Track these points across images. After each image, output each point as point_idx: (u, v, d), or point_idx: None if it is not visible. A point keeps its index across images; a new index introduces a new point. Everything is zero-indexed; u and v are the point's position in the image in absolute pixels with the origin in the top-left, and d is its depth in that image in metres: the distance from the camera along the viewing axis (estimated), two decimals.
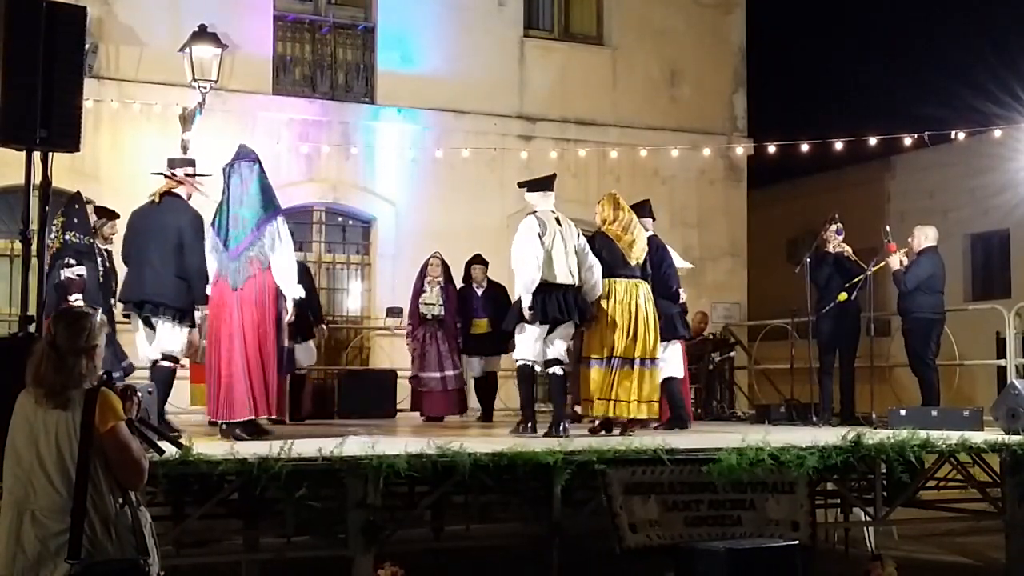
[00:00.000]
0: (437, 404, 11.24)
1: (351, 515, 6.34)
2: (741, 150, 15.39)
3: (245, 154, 7.62)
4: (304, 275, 11.07)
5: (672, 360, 9.47)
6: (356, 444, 6.59)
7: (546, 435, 7.96)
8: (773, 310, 14.39)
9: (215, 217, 7.57)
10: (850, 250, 10.65)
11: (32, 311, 6.37)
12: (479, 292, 11.25)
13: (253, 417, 7.29)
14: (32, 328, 6.09)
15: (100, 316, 4.30)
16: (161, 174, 8.11)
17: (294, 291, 7.56)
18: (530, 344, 8.34)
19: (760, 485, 7.01)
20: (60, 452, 4.00)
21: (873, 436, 7.55)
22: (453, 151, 13.54)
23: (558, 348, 8.36)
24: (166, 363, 7.87)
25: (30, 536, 3.98)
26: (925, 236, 10.36)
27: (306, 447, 6.23)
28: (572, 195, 14.27)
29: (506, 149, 14.00)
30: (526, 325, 8.29)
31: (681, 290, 9.67)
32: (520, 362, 8.44)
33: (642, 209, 9.52)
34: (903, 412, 9.26)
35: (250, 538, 7.09)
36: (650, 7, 15.18)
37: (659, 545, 6.74)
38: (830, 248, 10.66)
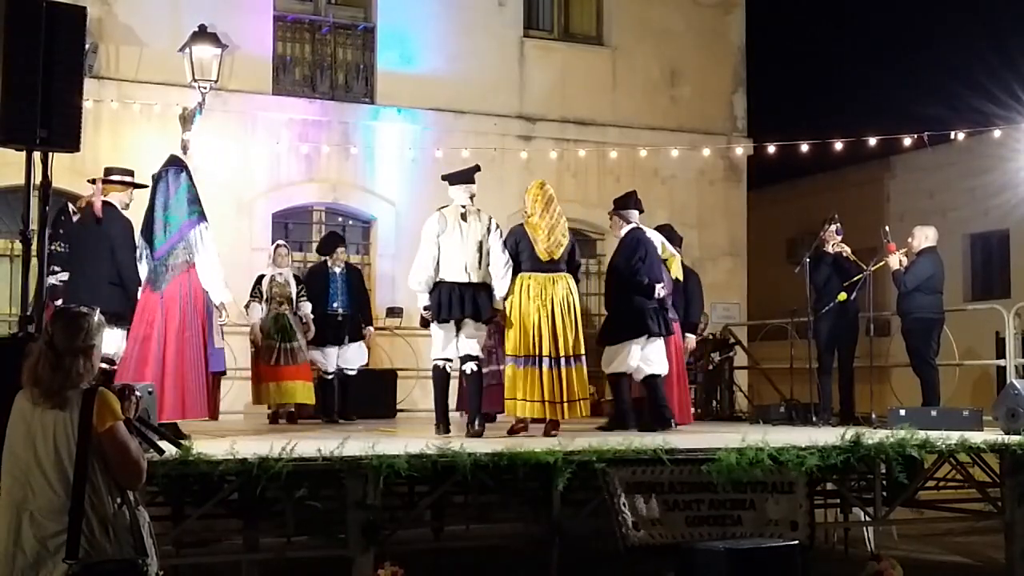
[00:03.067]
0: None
1: (351, 515, 6.33)
2: (741, 150, 15.39)
3: (173, 162, 7.84)
4: (356, 278, 11.15)
5: (652, 357, 9.13)
6: (356, 444, 6.59)
7: (468, 434, 7.82)
8: (773, 310, 14.40)
9: (143, 224, 7.78)
10: (849, 250, 10.65)
11: (32, 311, 6.37)
12: None
13: (178, 420, 7.33)
14: (32, 328, 6.09)
15: (98, 316, 4.29)
16: (93, 181, 8.26)
17: (219, 295, 7.78)
18: (440, 343, 8.22)
19: (760, 485, 7.01)
20: (58, 452, 4.00)
21: (873, 436, 7.54)
22: (453, 151, 13.53)
23: (467, 346, 8.18)
24: (103, 364, 7.93)
25: (29, 536, 3.98)
26: (925, 236, 10.36)
27: (306, 447, 6.24)
28: (572, 195, 14.32)
29: (506, 149, 14.01)
30: (433, 325, 8.20)
31: (660, 285, 9.19)
32: (432, 362, 8.34)
33: (627, 201, 9.47)
34: (903, 412, 9.26)
35: (250, 538, 7.09)
36: (650, 7, 15.19)
37: (661, 544, 6.74)
38: (829, 248, 10.66)
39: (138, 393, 4.32)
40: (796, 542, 6.89)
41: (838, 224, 10.77)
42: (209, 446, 6.13)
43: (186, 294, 7.54)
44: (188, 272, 7.58)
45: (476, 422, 8.00)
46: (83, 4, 7.58)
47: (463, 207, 8.24)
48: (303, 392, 10.88)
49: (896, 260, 10.28)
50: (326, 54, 13.80)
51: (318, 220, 13.81)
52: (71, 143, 6.42)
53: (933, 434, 7.71)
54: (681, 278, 10.22)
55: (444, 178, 8.63)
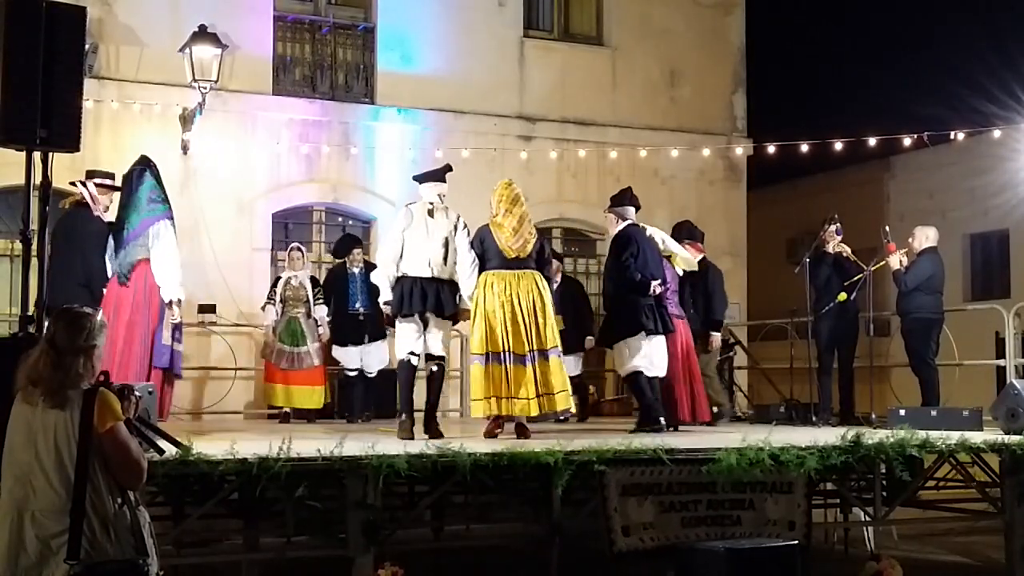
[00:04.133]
0: None
1: (351, 515, 6.34)
2: (741, 150, 15.39)
3: (140, 162, 8.11)
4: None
5: (651, 355, 9.01)
6: (356, 444, 6.59)
7: (430, 436, 7.77)
8: (773, 310, 14.39)
9: (114, 222, 8.08)
10: (849, 250, 10.66)
11: (32, 311, 6.37)
12: (552, 287, 11.03)
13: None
14: (32, 328, 6.10)
15: (100, 317, 4.30)
16: (74, 183, 8.55)
17: (170, 292, 7.90)
18: (404, 338, 8.19)
19: (759, 485, 7.01)
20: (59, 453, 4.00)
21: (872, 436, 7.54)
22: (453, 151, 13.52)
23: (434, 345, 8.15)
24: None
25: (30, 536, 3.99)
26: (926, 236, 10.37)
27: (306, 447, 6.24)
28: (572, 195, 14.35)
29: (506, 149, 14.01)
30: (399, 320, 8.18)
31: (656, 282, 9.03)
32: (399, 358, 8.32)
33: (621, 198, 9.40)
34: (902, 412, 9.26)
35: (250, 538, 7.08)
36: (650, 7, 15.19)
37: (652, 548, 6.74)
38: (829, 248, 10.67)
39: (137, 393, 4.32)
40: (795, 542, 6.89)
41: (838, 224, 10.77)
42: (209, 446, 6.13)
43: (140, 288, 7.80)
44: (145, 267, 7.85)
45: (434, 423, 7.97)
46: (83, 4, 7.58)
47: (431, 204, 8.23)
48: (308, 397, 10.94)
49: (896, 260, 10.29)
50: (326, 54, 13.80)
51: (318, 220, 13.81)
52: (71, 143, 6.41)
53: (933, 434, 7.71)
54: (681, 274, 10.21)
55: (415, 178, 8.64)
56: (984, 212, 17.79)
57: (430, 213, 8.17)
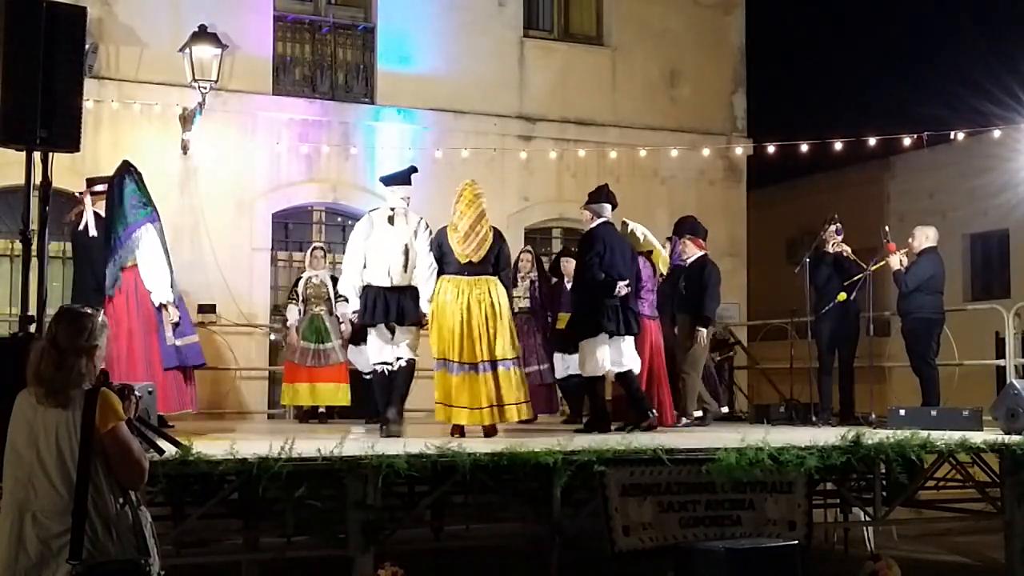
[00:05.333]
0: None
1: (351, 515, 6.34)
2: (741, 150, 15.39)
3: (122, 169, 8.19)
4: None
5: (621, 355, 8.85)
6: (356, 444, 6.59)
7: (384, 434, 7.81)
8: (773, 310, 14.39)
9: (104, 230, 8.25)
10: (849, 250, 10.66)
11: (32, 311, 6.38)
12: (568, 286, 10.88)
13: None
14: (32, 328, 6.10)
15: (102, 317, 4.30)
16: (83, 193, 8.72)
17: (160, 295, 7.98)
18: (375, 347, 8.24)
19: (759, 485, 7.01)
20: (60, 453, 4.00)
21: (872, 436, 7.55)
22: (453, 151, 13.55)
23: (401, 348, 8.16)
24: None
25: (32, 537, 3.99)
26: (926, 236, 10.37)
27: (306, 447, 6.24)
28: (572, 195, 14.31)
29: (506, 149, 14.01)
30: (371, 329, 8.21)
31: (624, 283, 8.75)
32: (371, 367, 8.33)
33: (597, 195, 9.27)
34: (902, 412, 9.27)
35: (250, 538, 7.09)
36: (650, 7, 15.18)
37: (652, 548, 6.74)
38: (829, 248, 10.67)
39: (138, 393, 4.32)
40: (795, 542, 6.89)
41: (838, 224, 10.78)
42: (209, 446, 6.13)
43: (131, 295, 7.90)
44: (134, 273, 7.95)
45: (392, 421, 7.98)
46: (83, 4, 7.59)
47: (392, 209, 8.22)
48: (335, 394, 10.94)
49: (896, 260, 10.29)
50: (326, 54, 13.80)
51: (318, 220, 13.81)
52: (71, 143, 6.42)
53: (933, 434, 7.72)
54: (665, 272, 10.14)
55: (381, 180, 8.63)
56: (984, 212, 17.78)
57: (390, 220, 8.17)
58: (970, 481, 8.59)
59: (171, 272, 8.18)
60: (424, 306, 8.13)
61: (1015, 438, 8.03)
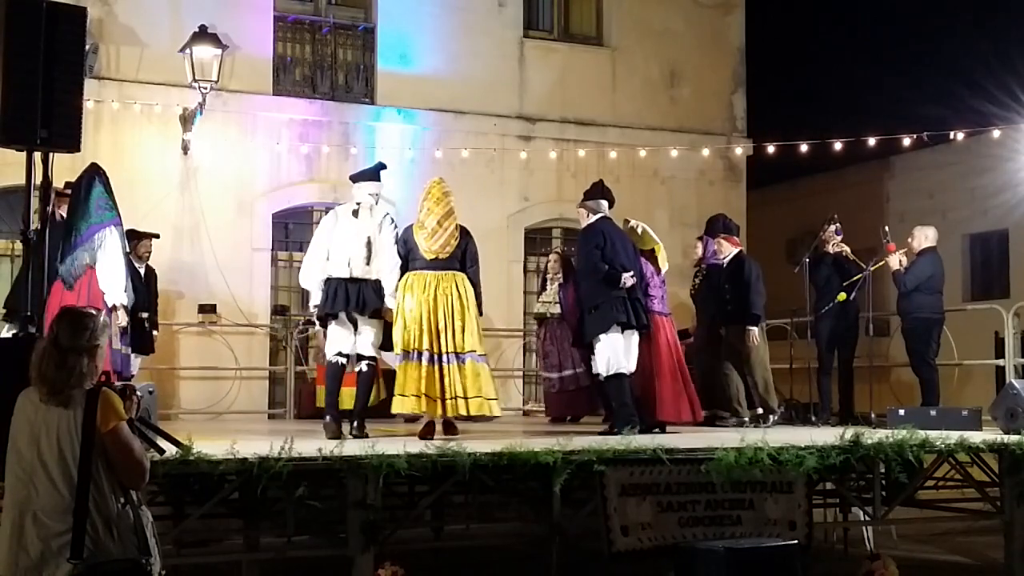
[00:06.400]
0: (555, 404, 11.18)
1: (351, 515, 6.35)
2: (740, 150, 15.40)
3: (89, 171, 8.20)
4: None
5: (606, 353, 8.61)
6: (356, 444, 6.60)
7: (354, 435, 7.77)
8: (773, 310, 14.36)
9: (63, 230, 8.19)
10: (849, 250, 10.67)
11: (32, 311, 6.39)
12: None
13: None
14: (32, 328, 6.10)
15: (103, 317, 4.31)
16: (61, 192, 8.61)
17: (114, 297, 7.98)
18: (334, 339, 8.22)
19: (759, 485, 7.02)
20: (62, 452, 4.01)
21: (872, 436, 7.55)
22: (453, 151, 13.55)
23: (362, 344, 8.17)
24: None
25: (32, 536, 3.99)
26: (925, 236, 10.38)
27: (306, 447, 6.24)
28: (572, 195, 14.23)
29: (506, 149, 14.02)
30: (332, 320, 8.19)
31: (628, 274, 8.59)
32: (327, 358, 8.32)
33: (593, 191, 9.22)
34: (902, 412, 9.28)
35: (250, 538, 7.09)
36: (650, 7, 15.19)
37: (650, 548, 6.74)
38: (829, 248, 10.68)
39: (139, 393, 4.33)
40: (795, 542, 6.90)
41: (838, 224, 10.79)
42: (209, 446, 6.14)
43: (84, 295, 7.85)
44: (91, 274, 7.93)
45: (357, 424, 7.95)
46: (83, 4, 7.60)
47: (358, 204, 8.29)
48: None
49: (896, 260, 10.30)
50: (326, 54, 13.80)
51: (318, 220, 13.78)
52: (71, 143, 6.42)
53: (933, 434, 7.72)
54: (666, 268, 9.88)
55: (350, 177, 8.69)
56: (984, 212, 17.76)
57: (355, 213, 8.24)
58: (970, 481, 8.59)
59: (127, 278, 8.21)
60: (388, 300, 8.14)
61: (1014, 438, 8.03)
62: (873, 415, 9.92)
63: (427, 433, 7.95)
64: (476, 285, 8.34)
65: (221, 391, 12.48)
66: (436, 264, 8.15)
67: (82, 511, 3.94)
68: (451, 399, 7.95)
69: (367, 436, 7.73)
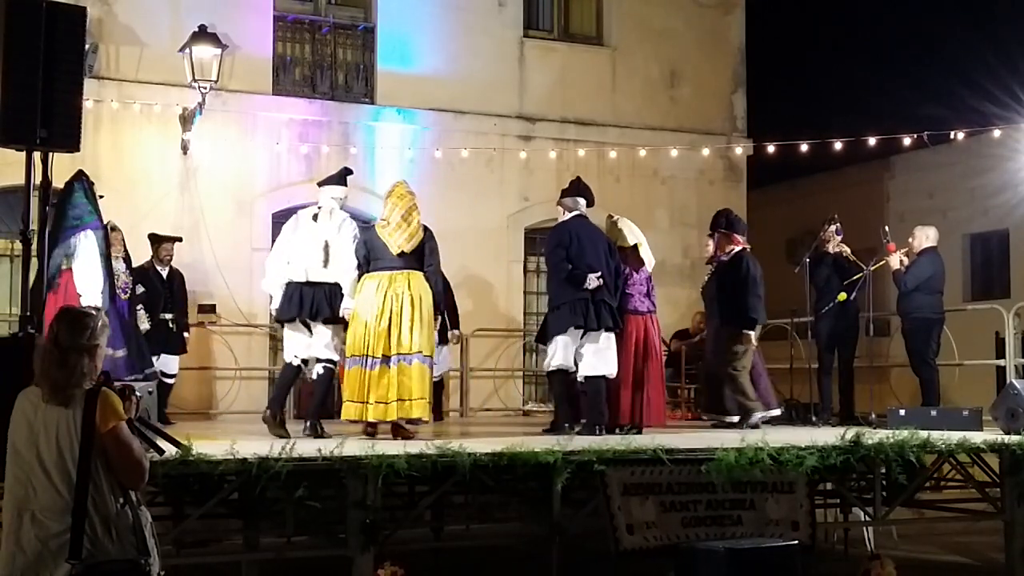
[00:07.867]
0: None
1: (351, 515, 6.35)
2: (740, 150, 15.39)
3: (74, 177, 8.29)
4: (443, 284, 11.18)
5: (593, 355, 8.55)
6: (356, 444, 6.60)
7: (309, 435, 7.75)
8: (773, 310, 14.36)
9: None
10: (849, 250, 10.66)
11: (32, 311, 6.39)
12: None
13: None
14: (32, 328, 6.10)
15: (103, 318, 4.32)
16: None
17: (91, 299, 8.03)
18: (290, 343, 8.27)
19: (760, 485, 7.01)
20: (60, 452, 4.00)
21: (872, 436, 7.55)
22: (452, 151, 13.55)
23: (318, 348, 8.17)
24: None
25: (30, 536, 3.99)
26: (926, 236, 10.37)
27: (306, 447, 6.24)
28: None
29: (506, 149, 14.01)
30: (285, 325, 8.27)
31: (595, 275, 8.49)
32: (285, 360, 8.37)
33: (570, 189, 9.21)
34: (902, 412, 9.27)
35: (250, 538, 7.09)
36: (650, 7, 15.18)
37: (655, 547, 6.74)
38: (829, 248, 10.67)
39: (138, 393, 4.33)
40: (796, 542, 6.90)
41: (838, 224, 10.78)
42: (209, 446, 6.13)
43: (62, 297, 7.90)
44: (68, 276, 8.04)
45: (312, 425, 7.95)
46: (83, 4, 7.59)
47: (319, 208, 8.36)
48: None
49: (896, 260, 10.30)
50: (326, 54, 13.79)
51: None
52: (71, 143, 6.43)
53: (933, 434, 7.72)
54: (651, 265, 9.69)
55: (318, 184, 8.76)
56: (984, 212, 17.76)
57: (315, 217, 8.32)
58: (970, 481, 8.59)
59: (107, 281, 8.23)
60: (347, 300, 8.15)
61: (1015, 438, 8.04)
62: (873, 415, 9.91)
63: (371, 436, 8.01)
64: (433, 283, 8.30)
65: (221, 391, 12.47)
66: (400, 261, 8.12)
67: (81, 511, 3.93)
68: (395, 402, 7.88)
69: (324, 436, 7.70)
